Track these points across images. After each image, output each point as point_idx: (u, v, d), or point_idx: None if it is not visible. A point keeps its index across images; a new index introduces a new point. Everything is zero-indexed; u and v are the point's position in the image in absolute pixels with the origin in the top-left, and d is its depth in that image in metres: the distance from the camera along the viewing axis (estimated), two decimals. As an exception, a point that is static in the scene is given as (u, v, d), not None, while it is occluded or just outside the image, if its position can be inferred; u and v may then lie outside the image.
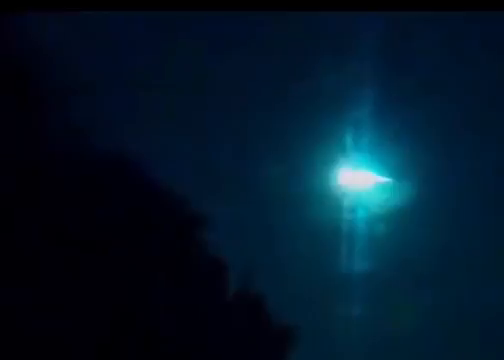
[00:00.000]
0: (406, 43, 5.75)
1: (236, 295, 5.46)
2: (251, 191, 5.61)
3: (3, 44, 5.39)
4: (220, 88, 5.66)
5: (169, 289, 5.31)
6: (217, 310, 5.35)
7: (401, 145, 5.70)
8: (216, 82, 5.66)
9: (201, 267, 5.40)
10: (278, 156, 5.64)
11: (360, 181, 5.74)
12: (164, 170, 5.50)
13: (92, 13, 5.39)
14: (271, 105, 5.70)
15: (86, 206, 5.31)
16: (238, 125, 5.64)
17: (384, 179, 5.72)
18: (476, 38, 5.80)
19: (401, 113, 5.71)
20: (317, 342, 5.56)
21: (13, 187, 5.16)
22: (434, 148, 5.81)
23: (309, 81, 5.66)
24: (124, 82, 5.54)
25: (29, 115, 5.33)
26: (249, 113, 5.66)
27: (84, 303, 5.07)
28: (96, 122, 5.43)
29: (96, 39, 5.51)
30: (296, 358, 5.55)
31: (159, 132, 5.55)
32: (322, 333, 5.53)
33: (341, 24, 5.67)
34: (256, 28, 5.65)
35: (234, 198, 5.59)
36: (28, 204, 5.18)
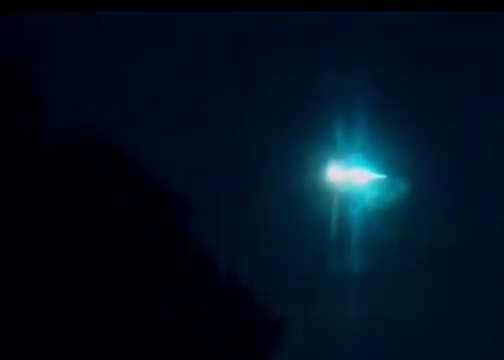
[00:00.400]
0: (402, 42, 5.78)
1: (229, 291, 5.49)
2: (248, 188, 5.64)
3: (3, 44, 5.44)
4: (217, 86, 5.69)
5: (166, 286, 5.35)
6: (211, 306, 5.40)
7: (397, 143, 5.74)
8: (213, 81, 5.69)
9: (197, 264, 5.44)
10: (274, 155, 5.68)
11: (355, 178, 5.77)
12: (163, 168, 5.53)
13: (92, 13, 5.44)
14: (268, 104, 5.73)
15: (84, 204, 5.34)
16: (235, 123, 5.67)
17: (379, 176, 5.76)
18: (475, 38, 5.83)
19: (397, 111, 5.75)
20: (312, 337, 5.61)
21: (13, 186, 5.20)
22: (431, 146, 5.84)
23: (305, 80, 5.69)
24: (124, 82, 5.57)
25: (28, 115, 5.36)
26: (246, 112, 5.69)
27: (84, 302, 5.11)
28: (95, 121, 5.47)
29: (96, 39, 5.55)
30: (291, 353, 5.61)
31: (159, 131, 5.58)
32: (316, 329, 5.58)
33: (341, 24, 5.71)
34: (255, 27, 5.69)
35: (231, 196, 5.63)
36: (27, 204, 5.22)
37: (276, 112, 5.70)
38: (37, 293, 5.06)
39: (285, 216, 5.67)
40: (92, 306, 5.12)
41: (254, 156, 5.67)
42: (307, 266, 5.65)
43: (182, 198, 5.47)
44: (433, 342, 5.63)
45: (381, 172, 5.77)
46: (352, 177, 5.79)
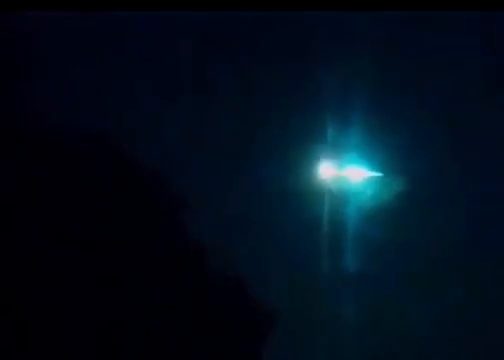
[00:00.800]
0: (400, 41, 5.77)
1: (225, 290, 5.54)
2: (245, 188, 5.67)
3: (3, 44, 5.45)
4: (214, 86, 5.70)
5: (165, 284, 5.39)
6: (208, 304, 5.44)
7: (393, 142, 5.75)
8: (210, 80, 5.70)
9: (193, 262, 5.48)
10: (269, 153, 5.70)
11: (350, 177, 5.79)
12: (161, 169, 5.56)
13: (92, 13, 5.45)
14: (265, 102, 5.74)
15: (84, 203, 5.37)
16: (233, 123, 5.69)
17: (375, 175, 5.78)
18: (474, 38, 5.82)
19: (393, 110, 5.76)
20: (306, 334, 5.66)
21: (12, 186, 5.23)
22: (427, 145, 5.85)
23: (300, 79, 5.70)
24: (124, 81, 5.58)
25: (28, 115, 5.38)
26: (243, 111, 5.71)
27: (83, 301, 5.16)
28: (95, 121, 5.49)
29: (96, 39, 5.56)
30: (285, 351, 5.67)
31: (157, 131, 5.60)
32: (310, 326, 5.63)
33: (337, 22, 5.70)
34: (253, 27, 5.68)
35: (229, 195, 5.66)
36: (26, 203, 5.25)
37: (272, 112, 5.72)
38: (37, 293, 5.11)
39: (280, 215, 5.70)
40: (91, 306, 5.18)
41: (251, 155, 5.69)
42: (302, 263, 5.69)
43: (181, 198, 5.52)
44: (427, 342, 5.69)
45: (376, 170, 5.79)
46: (347, 176, 5.81)
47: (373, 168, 5.77)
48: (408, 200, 5.74)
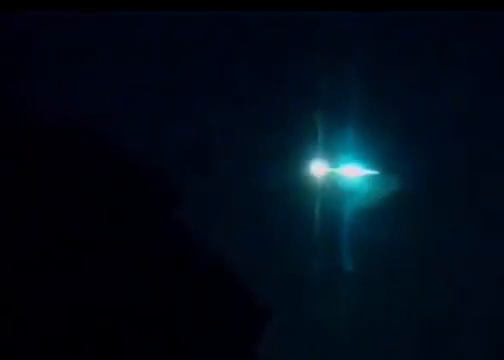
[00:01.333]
0: (397, 41, 5.79)
1: (218, 289, 5.56)
2: (243, 187, 5.69)
3: (3, 44, 5.48)
4: (209, 84, 5.73)
5: (164, 283, 5.42)
6: (204, 303, 5.47)
7: (390, 140, 5.77)
8: (206, 78, 5.73)
9: (191, 261, 5.51)
10: (266, 152, 5.72)
11: (347, 175, 5.81)
12: (160, 165, 5.58)
13: (92, 13, 5.48)
14: (263, 101, 5.76)
15: (81, 200, 5.39)
16: (231, 122, 5.71)
17: (372, 173, 5.79)
18: (474, 38, 5.84)
19: (389, 108, 5.78)
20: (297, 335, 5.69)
21: (11, 185, 5.25)
22: (425, 144, 5.87)
23: (298, 78, 5.73)
24: (124, 81, 5.60)
25: (28, 115, 5.42)
26: (241, 111, 5.73)
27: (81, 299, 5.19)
28: (95, 120, 5.51)
29: (96, 39, 5.58)
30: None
31: (158, 130, 5.62)
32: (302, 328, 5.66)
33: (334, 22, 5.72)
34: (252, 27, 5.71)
35: (226, 195, 5.68)
36: (25, 202, 5.27)
37: (268, 111, 5.74)
38: (35, 293, 5.14)
39: (276, 214, 5.72)
40: (89, 305, 5.20)
41: (247, 155, 5.72)
42: (300, 263, 5.71)
43: (179, 197, 5.54)
44: (424, 342, 5.71)
45: (373, 169, 5.81)
46: (344, 174, 5.82)
47: (370, 166, 5.79)
48: (406, 199, 5.76)
